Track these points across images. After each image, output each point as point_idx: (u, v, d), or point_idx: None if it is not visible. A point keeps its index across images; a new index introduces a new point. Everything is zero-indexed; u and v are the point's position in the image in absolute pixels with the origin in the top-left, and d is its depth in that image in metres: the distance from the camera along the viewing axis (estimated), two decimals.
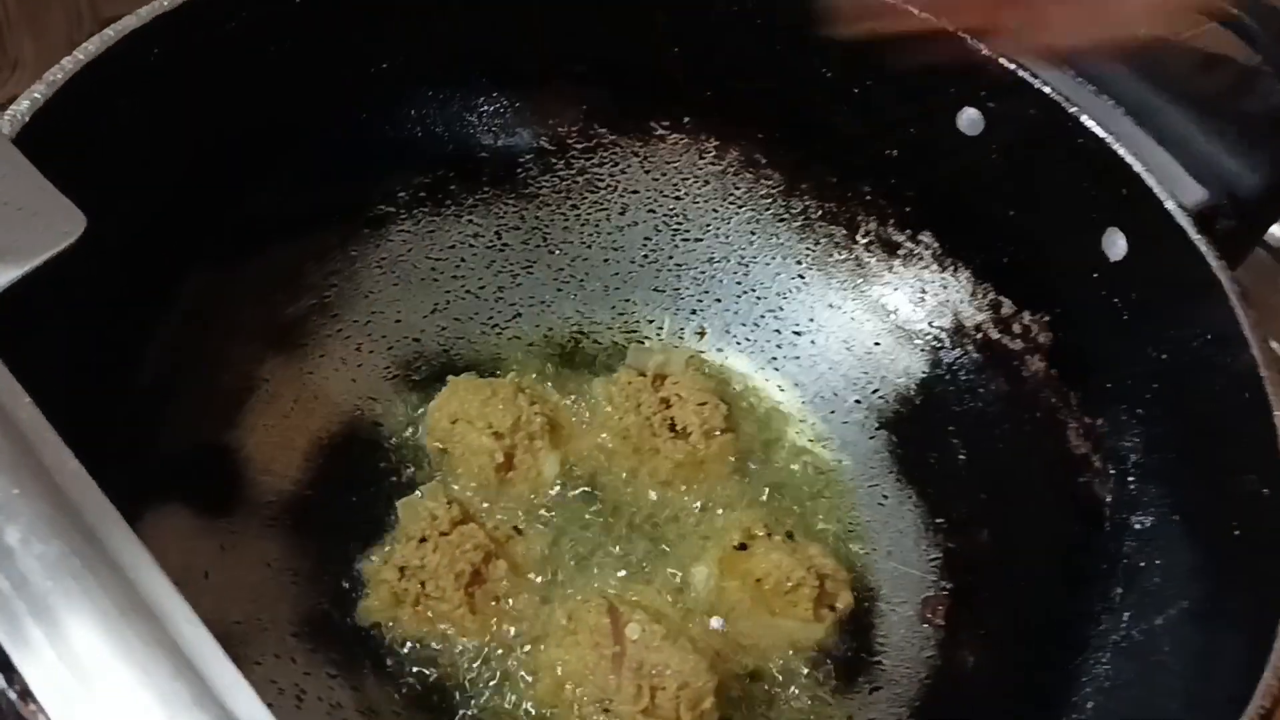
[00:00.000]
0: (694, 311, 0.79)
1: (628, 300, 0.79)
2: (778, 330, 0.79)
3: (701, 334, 0.79)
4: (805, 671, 0.65)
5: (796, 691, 0.64)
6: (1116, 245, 0.66)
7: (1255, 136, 0.67)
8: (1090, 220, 0.67)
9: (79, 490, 0.42)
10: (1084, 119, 0.66)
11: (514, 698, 0.61)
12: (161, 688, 0.38)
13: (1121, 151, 0.65)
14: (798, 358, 0.78)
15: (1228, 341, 0.59)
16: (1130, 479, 0.65)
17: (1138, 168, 0.64)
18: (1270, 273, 0.91)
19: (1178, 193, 0.64)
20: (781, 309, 0.79)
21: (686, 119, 0.79)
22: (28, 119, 0.53)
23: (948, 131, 0.71)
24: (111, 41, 0.57)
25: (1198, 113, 0.68)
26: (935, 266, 0.76)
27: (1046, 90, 0.67)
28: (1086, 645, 0.60)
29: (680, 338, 0.79)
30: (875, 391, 0.76)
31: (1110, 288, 0.66)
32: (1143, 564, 0.61)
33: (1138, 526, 0.63)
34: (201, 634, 0.39)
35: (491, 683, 0.62)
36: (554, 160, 0.79)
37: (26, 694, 0.37)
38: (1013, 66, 0.68)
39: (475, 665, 0.62)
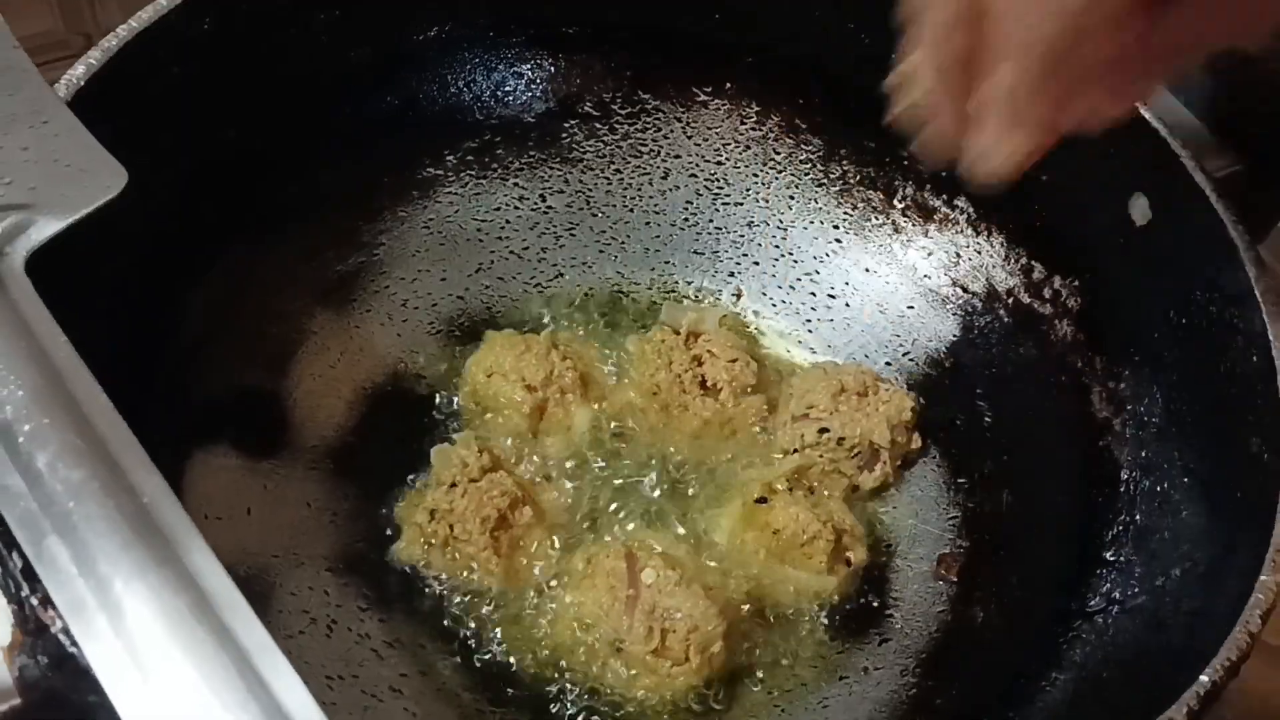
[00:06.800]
0: (731, 274, 0.81)
1: (667, 262, 0.82)
2: (813, 293, 0.80)
3: (738, 295, 0.81)
4: (816, 621, 0.67)
5: (806, 640, 0.66)
6: (1142, 210, 0.66)
7: None
8: (1118, 185, 0.67)
9: (106, 423, 0.45)
10: None
11: (532, 636, 0.65)
12: (168, 601, 0.42)
13: (1149, 117, 0.65)
14: (831, 320, 0.80)
15: (1241, 303, 0.59)
16: (1147, 442, 0.65)
17: (1164, 133, 0.65)
18: None
19: (1204, 159, 0.65)
20: (818, 273, 0.81)
21: (728, 85, 0.81)
22: (82, 84, 0.57)
23: None
24: (164, 10, 0.61)
25: (1230, 80, 0.68)
26: (970, 231, 0.77)
27: None
28: (1095, 604, 0.61)
29: (717, 299, 0.81)
30: (906, 354, 0.77)
31: (1135, 252, 0.67)
32: (1152, 526, 0.62)
33: (1151, 489, 0.64)
34: (208, 557, 0.43)
35: (511, 621, 0.65)
36: (598, 125, 0.81)
37: (47, 601, 0.42)
38: None
39: (497, 604, 0.65)
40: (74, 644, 0.41)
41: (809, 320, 0.80)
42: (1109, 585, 0.62)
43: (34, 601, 0.43)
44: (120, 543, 0.42)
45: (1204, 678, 0.46)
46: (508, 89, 0.80)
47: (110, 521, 0.43)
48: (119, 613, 0.41)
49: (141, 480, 0.44)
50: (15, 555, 0.43)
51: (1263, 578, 0.49)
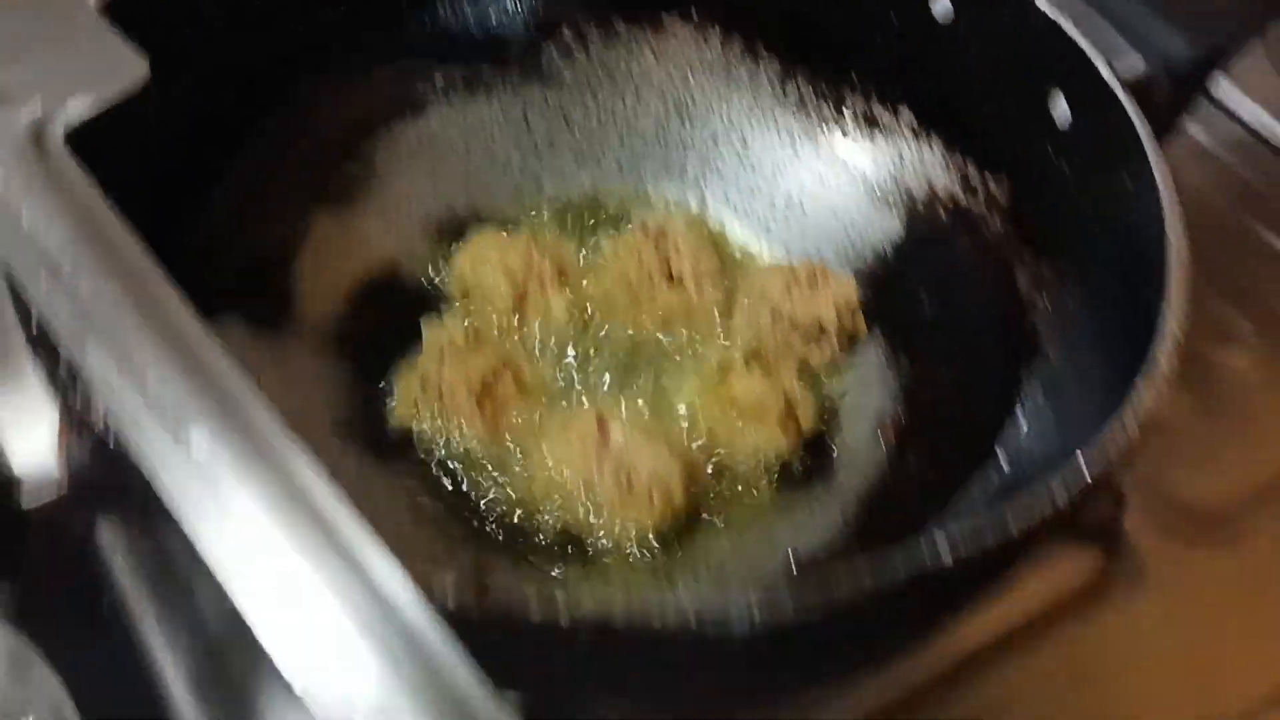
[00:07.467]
0: (697, 184, 0.89)
1: (638, 174, 0.89)
2: (772, 200, 0.88)
3: (703, 203, 0.88)
4: (767, 471, 0.74)
5: (758, 489, 0.74)
6: (1062, 112, 0.73)
7: (1188, 11, 0.74)
8: (1041, 91, 0.74)
9: (142, 265, 0.52)
10: None
11: (513, 483, 0.72)
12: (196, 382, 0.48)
13: (1065, 25, 0.72)
14: (788, 221, 0.87)
15: (1145, 191, 0.66)
16: (1067, 317, 0.73)
17: (1080, 40, 0.71)
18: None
19: (1118, 63, 0.72)
20: (776, 181, 0.88)
21: (694, 11, 0.88)
22: None
23: (924, 19, 0.80)
24: None
25: None
26: (911, 139, 0.84)
27: None
28: (1005, 448, 0.69)
29: (684, 206, 0.88)
30: (856, 252, 0.85)
31: (1058, 150, 0.74)
32: (1066, 387, 0.70)
33: (1068, 357, 0.71)
34: (233, 366, 0.50)
35: (495, 472, 0.73)
36: (575, 51, 0.89)
37: (89, 400, 0.49)
38: None
39: (483, 459, 0.73)
40: (114, 436, 0.48)
41: (768, 224, 0.87)
42: (1024, 436, 0.69)
43: (78, 401, 0.50)
44: (154, 351, 0.49)
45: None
46: (494, 19, 0.87)
47: (146, 331, 0.49)
48: (156, 397, 0.48)
49: (173, 310, 0.51)
50: (62, 363, 0.50)
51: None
